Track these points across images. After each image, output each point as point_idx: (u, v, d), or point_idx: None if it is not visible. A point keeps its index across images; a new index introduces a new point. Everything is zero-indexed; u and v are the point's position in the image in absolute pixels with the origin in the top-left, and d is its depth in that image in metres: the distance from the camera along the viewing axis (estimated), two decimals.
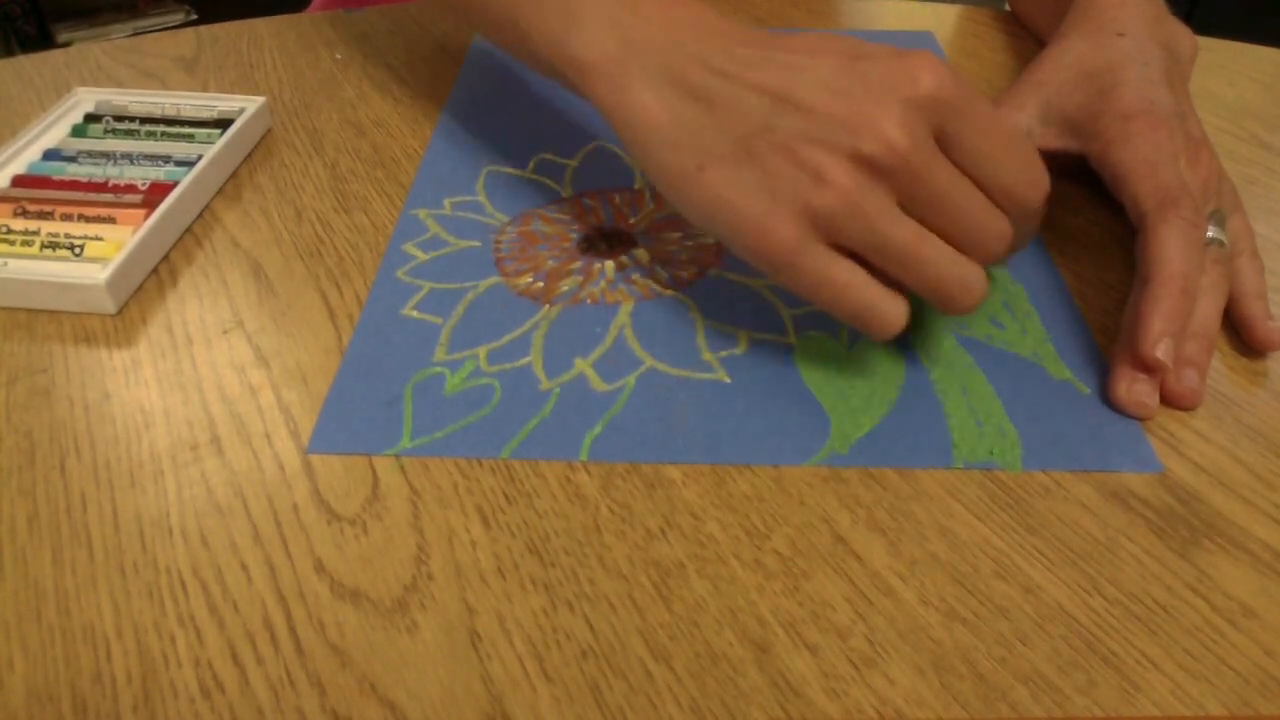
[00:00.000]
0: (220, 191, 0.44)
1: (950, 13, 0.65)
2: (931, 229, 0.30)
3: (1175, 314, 0.32)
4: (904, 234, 0.30)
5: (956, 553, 0.28)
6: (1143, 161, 0.37)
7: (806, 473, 0.30)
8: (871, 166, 0.29)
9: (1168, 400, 0.33)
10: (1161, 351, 0.32)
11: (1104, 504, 0.29)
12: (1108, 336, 0.36)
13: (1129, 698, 0.24)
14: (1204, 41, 0.62)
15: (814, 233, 0.30)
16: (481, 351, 0.34)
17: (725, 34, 0.33)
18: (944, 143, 0.30)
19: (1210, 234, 0.36)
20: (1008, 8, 0.65)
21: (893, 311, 0.31)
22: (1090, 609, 0.26)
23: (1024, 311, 0.37)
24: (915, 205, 0.30)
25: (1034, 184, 0.31)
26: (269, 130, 0.48)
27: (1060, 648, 0.25)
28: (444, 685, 0.24)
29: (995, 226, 0.30)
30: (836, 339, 0.35)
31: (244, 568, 0.27)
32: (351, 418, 0.32)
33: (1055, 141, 0.43)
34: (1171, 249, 0.34)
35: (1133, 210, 0.37)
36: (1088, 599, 0.27)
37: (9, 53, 1.84)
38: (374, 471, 0.30)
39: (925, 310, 0.36)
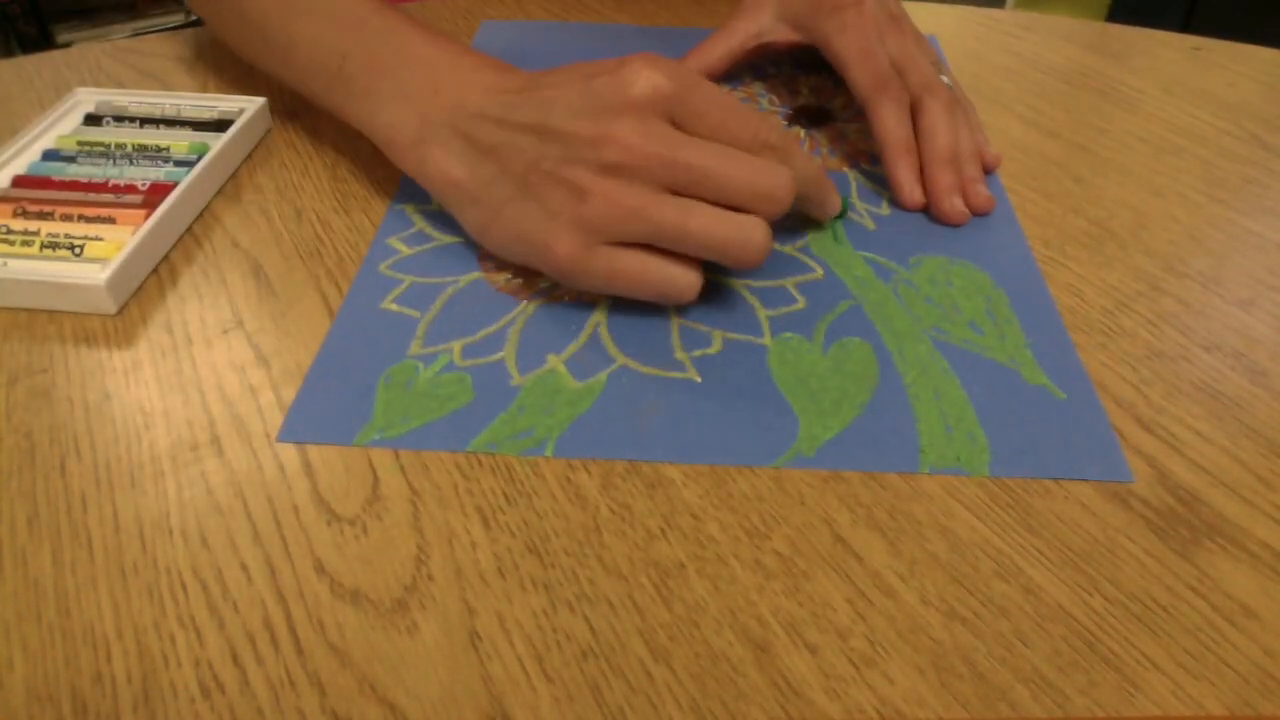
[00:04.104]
0: (220, 192, 0.44)
1: (950, 13, 0.65)
2: (708, 197, 0.33)
3: (909, 166, 0.43)
4: (667, 214, 0.33)
5: (956, 553, 0.28)
6: (857, 50, 0.46)
7: (806, 473, 0.30)
8: (620, 168, 0.33)
9: (946, 222, 0.42)
10: (917, 196, 0.43)
11: (1104, 504, 0.29)
12: (1107, 335, 0.36)
13: (1129, 698, 0.24)
14: (1204, 42, 0.62)
15: (593, 238, 0.33)
16: (456, 345, 0.35)
17: (497, 86, 0.37)
18: (680, 125, 0.34)
19: (945, 81, 0.46)
20: (1008, 8, 0.65)
21: (684, 279, 0.34)
22: (1090, 609, 0.26)
23: (1004, 317, 0.37)
24: (682, 186, 0.33)
25: (763, 142, 0.34)
26: (269, 130, 0.48)
27: (1060, 648, 0.25)
28: (444, 685, 0.24)
29: (766, 178, 0.33)
30: (811, 342, 0.35)
31: (244, 568, 0.27)
32: (322, 408, 0.32)
33: (790, 36, 0.51)
34: (889, 122, 0.44)
35: (855, 92, 0.46)
36: (1088, 599, 0.27)
37: (9, 53, 1.84)
38: (374, 472, 0.30)
39: (903, 316, 0.36)
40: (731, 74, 0.54)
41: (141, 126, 0.46)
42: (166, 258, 0.39)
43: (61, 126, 0.46)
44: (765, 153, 0.34)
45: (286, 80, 0.45)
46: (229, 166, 0.45)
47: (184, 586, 0.27)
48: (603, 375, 0.33)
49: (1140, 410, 0.33)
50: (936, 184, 0.42)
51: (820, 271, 0.39)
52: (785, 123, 0.50)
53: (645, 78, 0.33)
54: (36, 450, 0.31)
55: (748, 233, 0.33)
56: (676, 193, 0.33)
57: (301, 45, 0.42)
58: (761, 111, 0.36)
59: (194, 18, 2.00)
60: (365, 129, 0.40)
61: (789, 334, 0.35)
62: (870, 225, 0.42)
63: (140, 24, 1.98)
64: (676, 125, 0.34)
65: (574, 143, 0.33)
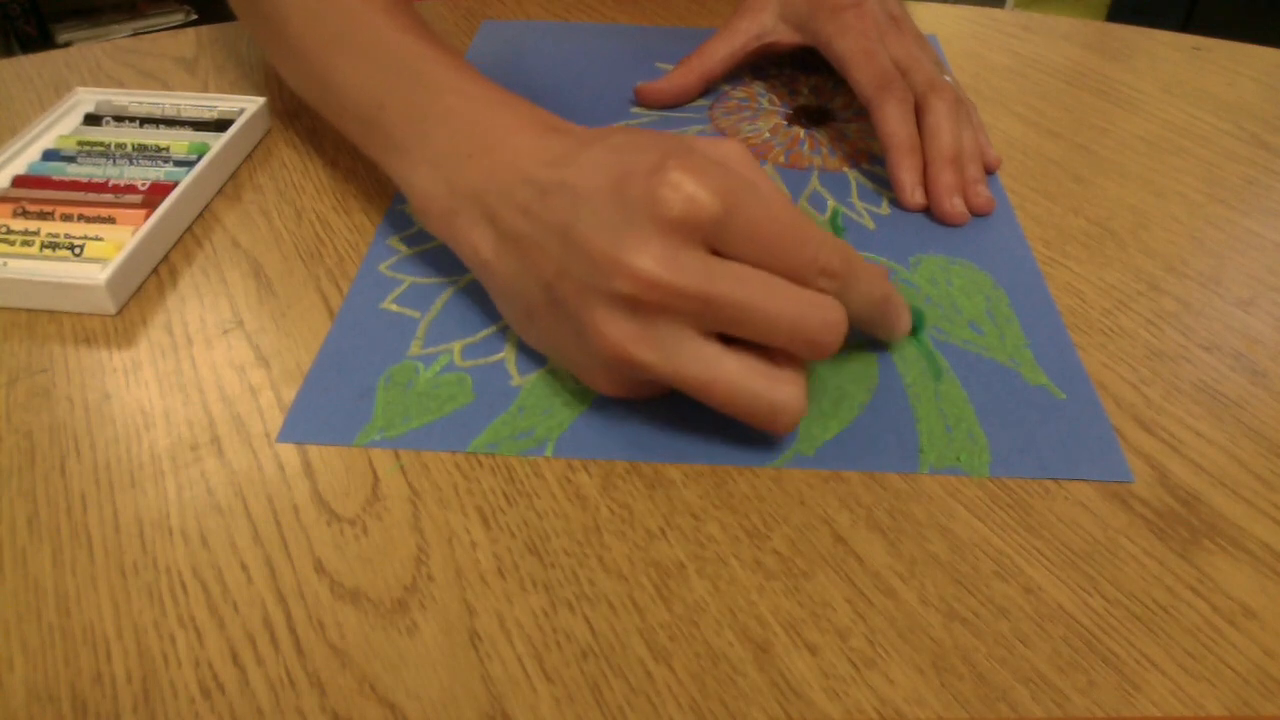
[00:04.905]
0: (220, 192, 0.44)
1: (950, 13, 0.65)
2: (747, 338, 0.29)
3: (912, 167, 0.43)
4: (690, 374, 0.28)
5: (956, 553, 0.28)
6: (859, 51, 0.46)
7: (806, 473, 0.30)
8: (636, 307, 0.28)
9: (946, 222, 0.42)
10: (919, 197, 0.43)
11: (1104, 504, 0.29)
12: (1107, 335, 0.36)
13: (1129, 698, 0.24)
14: (1204, 41, 0.62)
15: (621, 379, 0.30)
16: (456, 346, 0.35)
17: (533, 157, 0.31)
18: (723, 248, 0.28)
19: (947, 79, 0.46)
20: (1008, 8, 0.65)
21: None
22: (1090, 609, 0.26)
23: (1004, 317, 0.37)
24: (712, 325, 0.28)
25: (821, 269, 0.29)
26: (269, 131, 0.48)
27: (1060, 648, 0.25)
28: (444, 685, 0.24)
29: (814, 318, 0.28)
30: None
31: (244, 568, 0.27)
32: (322, 409, 0.32)
33: (791, 37, 0.51)
34: (893, 122, 0.43)
35: (858, 93, 0.45)
36: (1088, 599, 0.27)
37: (9, 53, 1.84)
38: (374, 472, 0.30)
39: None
40: (732, 74, 0.54)
41: (141, 126, 0.46)
42: (166, 258, 0.39)
43: (61, 126, 0.46)
44: (821, 281, 0.29)
45: (329, 118, 0.41)
46: (229, 166, 0.45)
47: (184, 586, 0.27)
48: None
49: (1140, 410, 0.33)
50: (938, 184, 0.42)
51: None
52: (785, 123, 0.50)
53: (684, 195, 0.27)
54: (36, 450, 0.31)
55: (780, 398, 0.29)
56: (712, 333, 0.29)
57: (341, 88, 0.39)
58: (821, 230, 0.30)
59: (194, 17, 1.99)
60: (399, 185, 0.36)
61: None
62: (870, 225, 0.42)
63: (140, 24, 1.98)
64: (717, 248, 0.28)
65: (593, 263, 0.28)
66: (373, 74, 0.38)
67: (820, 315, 0.28)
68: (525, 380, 0.33)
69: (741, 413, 0.29)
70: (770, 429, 0.29)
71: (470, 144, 0.33)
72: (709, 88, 0.53)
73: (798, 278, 0.29)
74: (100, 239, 0.38)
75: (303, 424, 0.31)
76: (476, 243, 0.32)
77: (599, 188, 0.29)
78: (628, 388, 0.31)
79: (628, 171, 0.28)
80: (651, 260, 0.27)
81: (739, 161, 0.30)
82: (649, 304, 0.27)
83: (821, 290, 0.29)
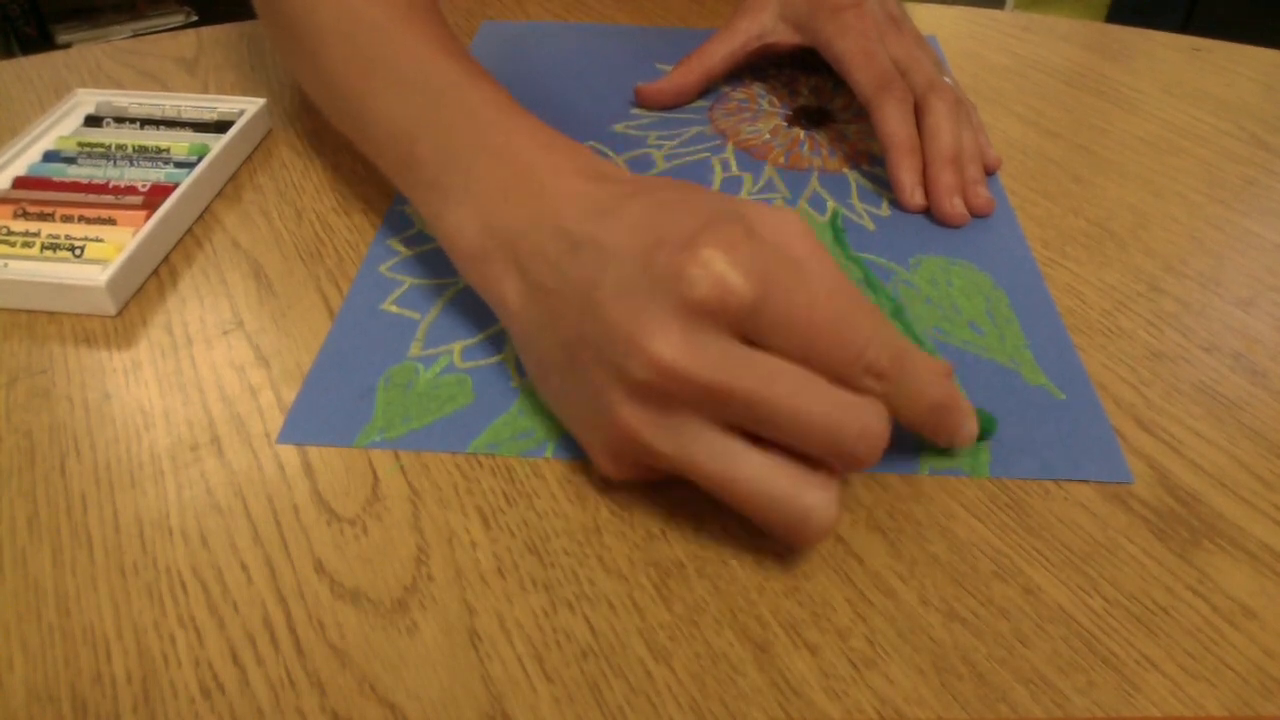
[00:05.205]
0: (220, 193, 0.44)
1: (950, 13, 0.65)
2: (775, 439, 0.26)
3: (912, 167, 0.43)
4: (708, 472, 0.26)
5: (956, 553, 0.28)
6: (858, 52, 0.46)
7: None
8: (650, 394, 0.25)
9: (946, 223, 0.42)
10: (918, 198, 0.43)
11: (1104, 505, 0.29)
12: (1107, 335, 0.36)
13: (1129, 698, 0.24)
14: (1204, 42, 0.62)
15: (631, 466, 0.28)
16: (456, 347, 0.35)
17: (570, 203, 0.29)
18: (758, 338, 0.25)
19: (947, 80, 0.46)
20: (1008, 8, 0.65)
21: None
22: (1090, 610, 0.26)
23: (1004, 317, 0.37)
24: (737, 423, 0.26)
25: (862, 354, 0.25)
26: (269, 131, 0.49)
27: (1060, 648, 0.25)
28: (444, 685, 0.24)
29: (852, 425, 0.25)
30: None
31: (244, 568, 0.27)
32: (322, 409, 0.32)
33: (791, 37, 0.51)
34: (893, 123, 0.43)
35: (858, 94, 0.45)
36: (1087, 600, 0.27)
37: (9, 53, 1.84)
38: (374, 472, 0.30)
39: (902, 315, 0.36)
40: (732, 75, 0.54)
41: (142, 128, 0.46)
42: (167, 259, 0.39)
43: (62, 128, 0.46)
44: (867, 380, 0.26)
45: (360, 147, 0.40)
46: (229, 168, 0.45)
47: (184, 586, 0.27)
48: None
49: (1140, 411, 0.33)
50: (938, 184, 0.42)
51: None
52: (785, 124, 0.50)
53: (712, 277, 0.24)
54: (36, 450, 0.31)
55: (808, 503, 0.25)
56: (738, 429, 0.26)
57: (373, 119, 0.37)
58: (880, 318, 0.26)
59: (194, 18, 1.99)
60: (430, 221, 0.34)
61: None
62: (870, 226, 0.42)
63: (140, 24, 1.98)
64: (750, 336, 0.25)
65: (611, 339, 0.26)
66: (407, 107, 0.35)
67: (858, 422, 0.25)
68: (525, 381, 0.33)
69: (762, 517, 0.26)
70: (795, 540, 0.27)
71: (507, 186, 0.31)
72: (709, 88, 0.53)
73: (839, 376, 0.25)
74: (101, 240, 0.38)
75: (303, 424, 0.31)
76: (505, 290, 0.30)
77: (629, 251, 0.26)
78: (635, 471, 0.28)
79: (660, 239, 0.26)
80: (670, 347, 0.24)
81: (792, 235, 0.27)
82: (665, 392, 0.25)
83: (867, 390, 0.26)
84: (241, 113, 0.47)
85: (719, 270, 0.24)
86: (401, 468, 0.30)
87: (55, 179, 0.42)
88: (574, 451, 0.31)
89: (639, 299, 0.25)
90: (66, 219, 0.39)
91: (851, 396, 0.25)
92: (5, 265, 0.37)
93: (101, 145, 0.44)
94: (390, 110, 0.36)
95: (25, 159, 0.43)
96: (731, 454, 0.25)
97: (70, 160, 0.43)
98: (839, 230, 0.42)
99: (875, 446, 0.26)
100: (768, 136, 0.49)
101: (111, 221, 0.39)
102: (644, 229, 0.27)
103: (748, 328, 0.25)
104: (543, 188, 0.30)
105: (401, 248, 0.40)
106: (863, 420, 0.25)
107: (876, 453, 0.26)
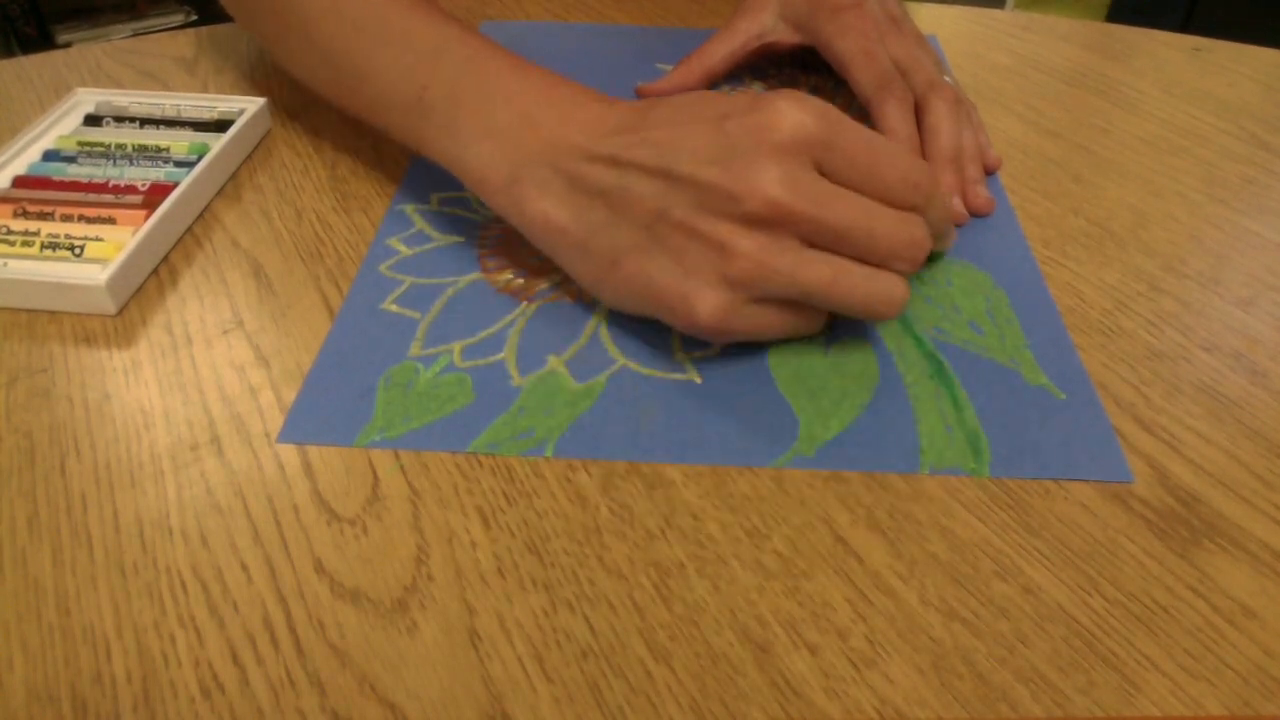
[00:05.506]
0: (220, 192, 0.44)
1: (950, 13, 0.65)
2: (846, 253, 0.31)
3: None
4: (816, 276, 0.31)
5: (956, 553, 0.28)
6: (859, 52, 0.46)
7: (806, 473, 0.30)
8: (763, 222, 0.30)
9: (955, 220, 0.42)
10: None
11: (1104, 505, 0.29)
12: (1107, 335, 0.36)
13: (1129, 698, 0.24)
14: (1204, 42, 0.62)
15: (737, 297, 0.31)
16: (456, 347, 0.35)
17: (601, 121, 0.33)
18: (825, 171, 0.31)
19: (947, 80, 0.46)
20: (1008, 8, 0.65)
21: (817, 324, 0.34)
22: (1090, 609, 0.26)
23: (1004, 317, 0.37)
24: (821, 239, 0.31)
25: (913, 185, 0.32)
26: (269, 131, 0.49)
27: (1060, 648, 0.25)
28: (444, 685, 0.24)
29: (904, 235, 0.31)
30: (813, 341, 0.35)
31: (244, 568, 0.27)
32: (322, 409, 0.32)
33: (791, 37, 0.51)
34: (893, 122, 0.43)
35: (858, 93, 0.46)
36: (1088, 599, 0.27)
37: (9, 53, 1.84)
38: (374, 472, 0.30)
39: (902, 315, 0.36)
40: (732, 74, 0.54)
41: (141, 127, 0.46)
42: (166, 258, 0.39)
43: (61, 127, 0.46)
44: (909, 195, 0.32)
45: (357, 112, 0.41)
46: (229, 167, 0.45)
47: (184, 586, 0.27)
48: (603, 376, 0.33)
49: (1140, 410, 0.33)
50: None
51: None
52: None
53: (793, 119, 0.30)
54: (36, 450, 0.31)
55: (890, 291, 0.32)
56: (814, 246, 0.31)
57: (375, 75, 0.39)
58: (905, 148, 0.34)
59: (194, 18, 1.99)
60: (450, 166, 0.37)
61: None
62: None
63: (140, 24, 1.98)
64: (822, 170, 0.31)
65: (710, 192, 0.30)
66: (411, 60, 0.38)
67: (909, 233, 0.31)
68: (525, 380, 0.33)
69: (861, 304, 0.31)
70: (890, 313, 0.32)
71: (532, 115, 0.34)
72: (709, 88, 0.53)
73: (891, 196, 0.31)
74: (100, 239, 0.38)
75: (303, 424, 0.31)
76: (547, 208, 0.33)
77: (694, 132, 0.31)
78: (731, 310, 0.31)
79: (723, 113, 0.31)
80: (775, 181, 0.30)
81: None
82: (775, 221, 0.30)
83: (912, 206, 0.32)
84: (241, 112, 0.47)
85: (795, 113, 0.30)
86: (401, 467, 0.30)
87: (55, 178, 0.42)
88: (574, 451, 0.31)
89: (728, 159, 0.30)
90: (66, 218, 0.39)
91: (903, 214, 0.32)
92: (5, 264, 0.37)
93: (101, 144, 0.44)
94: (393, 65, 0.38)
95: (25, 158, 0.43)
96: (834, 267, 0.31)
97: (70, 159, 0.43)
98: None
99: (923, 252, 0.32)
100: None
101: (111, 221, 0.39)
102: (693, 117, 0.32)
103: (821, 159, 0.31)
104: (569, 113, 0.34)
105: (401, 248, 0.40)
106: (913, 233, 0.32)
107: (923, 257, 0.32)
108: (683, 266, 0.31)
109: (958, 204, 0.42)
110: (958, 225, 0.42)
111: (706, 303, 0.31)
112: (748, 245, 0.30)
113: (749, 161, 0.30)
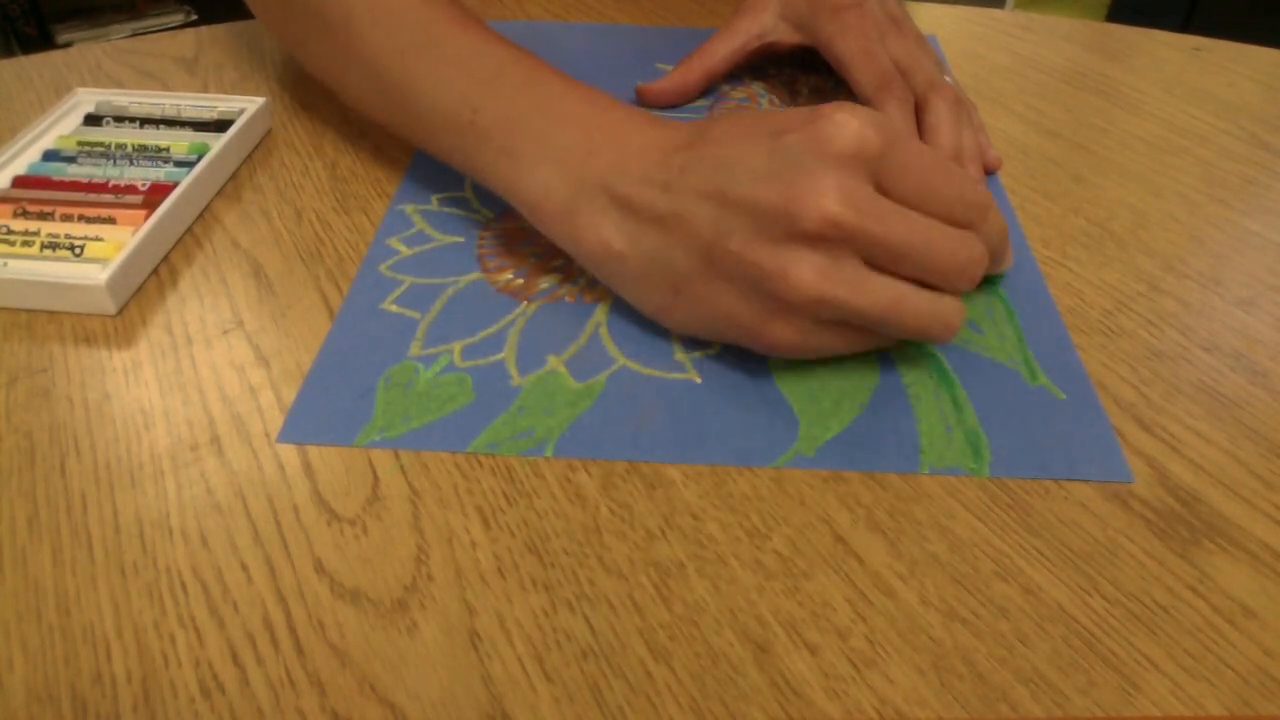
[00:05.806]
0: (220, 192, 0.44)
1: (950, 13, 0.65)
2: (903, 272, 0.31)
3: None
4: (878, 301, 0.30)
5: (956, 553, 0.28)
6: (859, 52, 0.46)
7: (806, 473, 0.30)
8: (822, 240, 0.29)
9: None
10: None
11: (1104, 505, 0.29)
12: (1107, 335, 0.36)
13: (1129, 698, 0.24)
14: (1204, 42, 0.62)
15: (804, 320, 0.31)
16: (456, 347, 0.35)
17: (657, 145, 0.33)
18: (882, 185, 0.30)
19: (948, 80, 0.46)
20: (1008, 8, 0.65)
21: (884, 341, 0.33)
22: (1090, 609, 0.26)
23: (1004, 317, 0.37)
24: (879, 258, 0.30)
25: (970, 203, 0.32)
26: (269, 131, 0.48)
27: (1060, 648, 0.25)
28: (444, 685, 0.24)
29: (963, 255, 0.31)
30: None
31: (244, 568, 0.27)
32: (322, 409, 0.32)
33: (792, 37, 0.51)
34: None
35: (858, 93, 0.46)
36: (1088, 599, 0.27)
37: (9, 53, 1.84)
38: (374, 472, 0.30)
39: None
40: (732, 74, 0.54)
41: (141, 127, 0.46)
42: (166, 258, 0.39)
43: (61, 127, 0.46)
44: (966, 212, 0.31)
45: (401, 130, 0.41)
46: (229, 167, 0.45)
47: (184, 586, 0.27)
48: (603, 376, 0.33)
49: (1140, 410, 0.33)
50: None
51: None
52: None
53: (853, 130, 0.29)
54: (36, 450, 0.31)
55: (949, 315, 0.31)
56: (872, 264, 0.30)
57: (424, 93, 0.38)
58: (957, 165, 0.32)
59: (194, 18, 1.99)
60: (504, 191, 0.36)
61: None
62: None
63: (140, 24, 1.98)
64: (877, 184, 0.30)
65: (764, 214, 0.29)
66: (464, 79, 0.37)
67: (968, 252, 0.31)
68: (525, 380, 0.33)
69: (922, 329, 0.31)
70: (941, 340, 0.32)
71: (591, 140, 0.34)
72: (710, 88, 0.53)
73: (949, 214, 0.31)
74: (100, 239, 0.38)
75: (303, 424, 0.31)
76: (605, 235, 0.33)
77: (750, 150, 0.31)
78: (803, 335, 0.31)
79: (778, 129, 0.31)
80: (832, 196, 0.29)
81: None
82: (833, 238, 0.29)
83: (970, 225, 0.32)
84: (241, 112, 0.47)
85: (854, 124, 0.29)
86: (401, 467, 0.30)
87: (55, 178, 0.42)
88: (574, 451, 0.31)
89: (783, 176, 0.29)
90: (66, 218, 0.39)
91: (961, 232, 0.31)
92: (5, 264, 0.37)
93: (101, 144, 0.44)
94: (444, 84, 0.37)
95: (25, 158, 0.43)
96: (890, 284, 0.30)
97: (70, 159, 0.43)
98: None
99: (981, 271, 0.31)
100: None
101: (111, 220, 0.39)
102: (746, 135, 0.31)
103: (880, 173, 0.30)
104: (626, 138, 0.34)
105: (401, 247, 0.40)
106: (971, 252, 0.31)
107: (980, 275, 0.31)
108: (745, 296, 0.31)
109: None
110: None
111: (775, 330, 0.31)
112: (808, 274, 0.29)
113: (806, 174, 0.29)
